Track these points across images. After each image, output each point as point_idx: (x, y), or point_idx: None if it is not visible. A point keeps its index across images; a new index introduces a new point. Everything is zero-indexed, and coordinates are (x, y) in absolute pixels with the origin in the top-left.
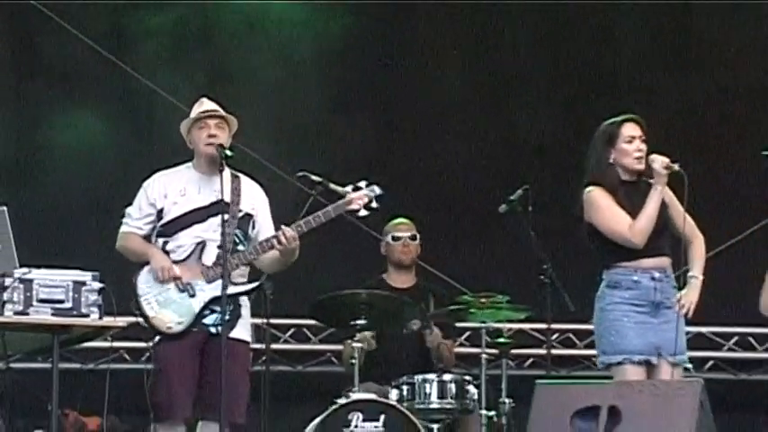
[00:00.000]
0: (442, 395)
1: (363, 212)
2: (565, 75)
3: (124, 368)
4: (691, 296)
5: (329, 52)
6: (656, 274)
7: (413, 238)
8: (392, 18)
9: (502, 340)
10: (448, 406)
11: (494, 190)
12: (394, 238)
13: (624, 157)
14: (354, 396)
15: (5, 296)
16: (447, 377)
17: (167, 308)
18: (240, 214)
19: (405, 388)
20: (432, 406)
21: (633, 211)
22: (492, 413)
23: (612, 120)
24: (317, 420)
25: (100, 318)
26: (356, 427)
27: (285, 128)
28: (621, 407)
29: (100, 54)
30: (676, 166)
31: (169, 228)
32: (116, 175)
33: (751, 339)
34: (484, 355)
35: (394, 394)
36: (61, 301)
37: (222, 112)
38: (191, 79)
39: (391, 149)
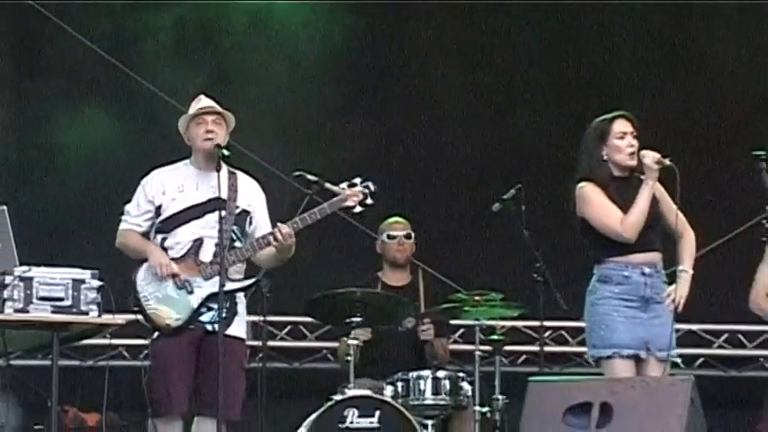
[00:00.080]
0: (436, 391)
1: (359, 209)
2: (562, 75)
3: (123, 365)
4: (681, 290)
5: (330, 52)
6: (647, 270)
7: (407, 236)
8: (392, 19)
9: (495, 337)
10: (442, 402)
11: (488, 189)
12: (389, 237)
13: (616, 153)
14: (350, 392)
15: (6, 294)
16: (441, 374)
17: (166, 304)
18: (237, 211)
19: (399, 384)
20: (426, 402)
21: (625, 207)
22: (486, 409)
23: (604, 117)
24: (314, 416)
25: (99, 315)
26: (351, 422)
27: (285, 128)
28: (613, 403)
29: (101, 54)
30: (667, 161)
31: (167, 224)
32: (116, 174)
33: (741, 337)
34: (477, 352)
35: (389, 391)
36: (61, 299)
37: (219, 109)
38: (191, 79)
39: (390, 149)
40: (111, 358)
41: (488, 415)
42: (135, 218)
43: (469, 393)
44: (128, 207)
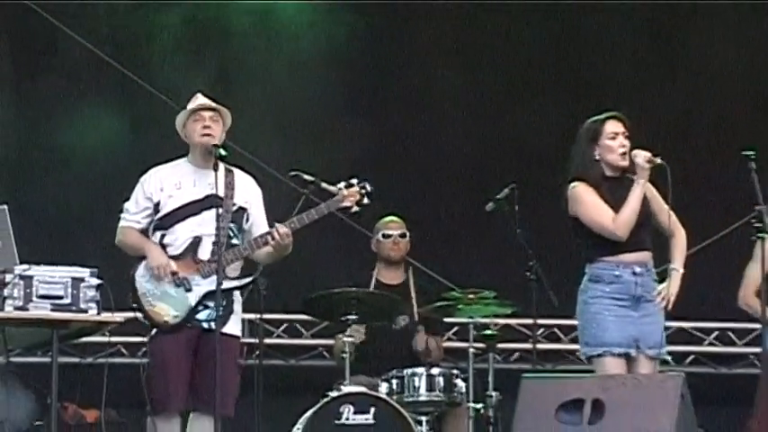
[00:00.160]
0: (430, 388)
1: (355, 209)
2: (562, 75)
3: (122, 362)
4: (671, 288)
5: (330, 52)
6: (638, 269)
7: (402, 236)
8: (392, 19)
9: (489, 332)
10: (436, 399)
11: (486, 189)
12: (384, 236)
13: (608, 154)
14: (345, 389)
15: (6, 292)
16: (435, 371)
17: (164, 302)
18: (234, 208)
19: (394, 381)
20: (420, 399)
21: (617, 206)
22: (479, 406)
23: (596, 117)
24: (310, 412)
25: (98, 313)
26: (347, 419)
27: (286, 127)
28: (605, 400)
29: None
30: (658, 160)
31: (166, 221)
32: (115, 174)
33: (731, 334)
34: (471, 350)
35: (384, 387)
36: (60, 297)
37: (216, 105)
38: (191, 80)
39: (389, 149)
40: (110, 355)
41: (482, 411)
42: (134, 215)
43: (463, 390)
44: (126, 205)
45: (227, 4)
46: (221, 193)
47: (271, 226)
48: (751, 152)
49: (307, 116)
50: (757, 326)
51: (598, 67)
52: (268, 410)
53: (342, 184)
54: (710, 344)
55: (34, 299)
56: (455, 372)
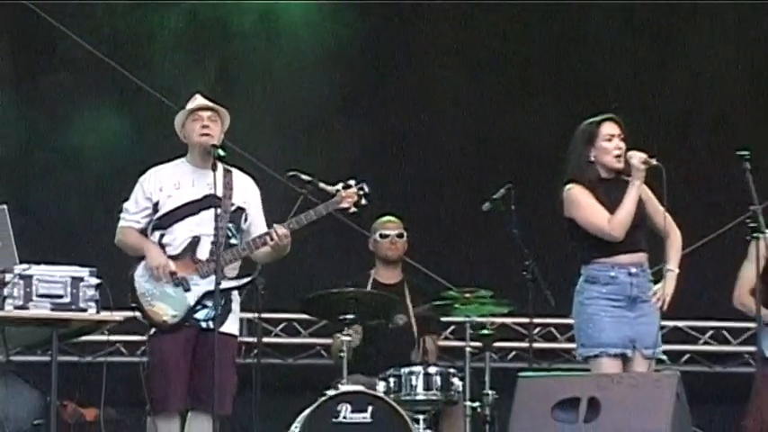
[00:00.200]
0: (427, 387)
1: (353, 210)
2: (562, 75)
3: (121, 361)
4: (667, 289)
5: (331, 52)
6: (633, 270)
7: (400, 235)
8: (393, 19)
9: (486, 331)
10: (433, 397)
11: (485, 189)
12: (382, 236)
13: (604, 155)
14: (343, 388)
15: (6, 291)
16: (432, 370)
17: (163, 301)
18: (232, 208)
19: (392, 380)
20: (418, 397)
21: (612, 208)
22: (476, 404)
23: (592, 119)
24: (307, 411)
25: (97, 312)
26: (345, 417)
27: (286, 127)
28: (600, 398)
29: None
30: (654, 161)
31: (165, 220)
32: (116, 174)
33: (726, 333)
34: (468, 349)
35: (381, 386)
36: (60, 296)
37: (215, 105)
38: (192, 80)
39: (388, 149)
40: (109, 354)
41: (479, 410)
42: (133, 215)
43: (460, 389)
44: (126, 204)
45: (227, 4)
46: (220, 193)
47: (269, 226)
48: (745, 152)
49: (307, 116)
50: (752, 325)
51: (598, 67)
52: (266, 409)
53: (340, 186)
54: (705, 343)
55: (34, 298)
56: (452, 370)
